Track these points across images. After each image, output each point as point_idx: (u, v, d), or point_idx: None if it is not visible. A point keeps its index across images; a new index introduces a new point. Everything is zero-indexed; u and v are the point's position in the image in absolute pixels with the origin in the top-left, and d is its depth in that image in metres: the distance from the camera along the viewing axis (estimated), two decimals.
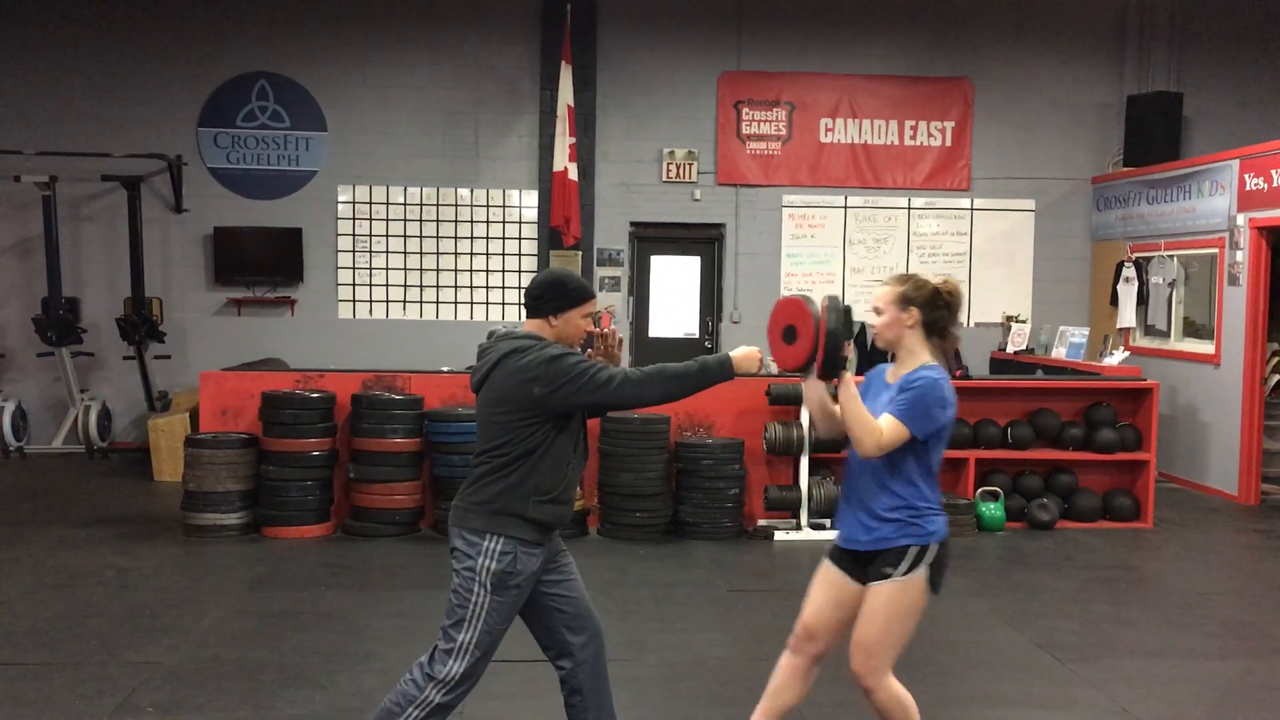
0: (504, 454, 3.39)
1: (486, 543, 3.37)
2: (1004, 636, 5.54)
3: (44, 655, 5.01)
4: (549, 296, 3.51)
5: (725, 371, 3.43)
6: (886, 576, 3.41)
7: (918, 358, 3.52)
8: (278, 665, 4.90)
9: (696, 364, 3.44)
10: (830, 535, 7.56)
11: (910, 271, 3.75)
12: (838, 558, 3.60)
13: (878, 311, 3.57)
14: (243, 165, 10.85)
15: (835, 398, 3.48)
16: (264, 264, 10.82)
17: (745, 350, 3.47)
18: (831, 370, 3.45)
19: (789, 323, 3.50)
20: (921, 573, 3.41)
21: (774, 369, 3.35)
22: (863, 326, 11.35)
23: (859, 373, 3.85)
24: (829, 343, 3.41)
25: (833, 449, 7.80)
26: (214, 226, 10.76)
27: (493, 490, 3.40)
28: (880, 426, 3.39)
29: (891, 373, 3.60)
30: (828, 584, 3.61)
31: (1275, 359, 9.40)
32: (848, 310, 3.48)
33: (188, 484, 7.39)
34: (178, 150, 10.67)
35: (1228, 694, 4.82)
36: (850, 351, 3.46)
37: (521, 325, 3.59)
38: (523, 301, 3.58)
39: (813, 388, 3.52)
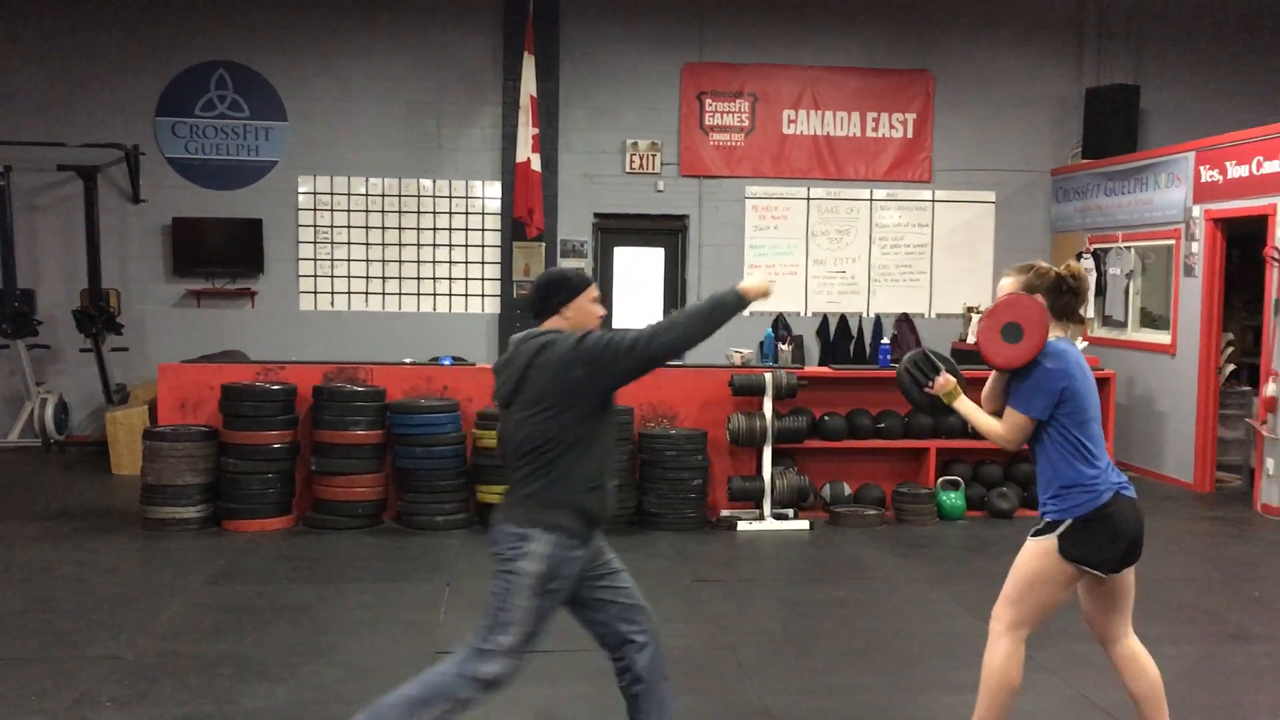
0: (550, 451, 3.37)
1: (531, 544, 3.35)
2: (964, 624, 5.60)
3: (0, 650, 4.95)
4: (555, 291, 3.56)
5: (740, 301, 3.41)
6: (1031, 532, 3.67)
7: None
8: (238, 659, 4.86)
9: (710, 300, 3.43)
10: (792, 526, 7.64)
11: (1027, 261, 3.86)
12: None
13: None
14: (201, 155, 10.73)
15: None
16: (224, 255, 10.71)
17: (755, 280, 3.44)
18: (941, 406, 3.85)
19: (1012, 320, 3.57)
20: (1052, 540, 3.58)
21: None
22: (824, 317, 11.41)
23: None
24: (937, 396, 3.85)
25: (795, 439, 7.84)
26: (173, 217, 10.63)
27: (539, 484, 3.39)
28: (996, 425, 3.68)
29: None
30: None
31: (1229, 349, 9.55)
32: (927, 355, 3.90)
33: (146, 477, 7.32)
34: (135, 140, 10.53)
35: (1183, 678, 4.89)
36: (941, 386, 3.83)
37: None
38: (532, 311, 3.61)
39: (997, 380, 3.77)
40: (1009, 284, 3.68)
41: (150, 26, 10.62)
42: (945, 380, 3.78)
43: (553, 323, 3.55)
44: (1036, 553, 3.62)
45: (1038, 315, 3.55)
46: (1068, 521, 3.56)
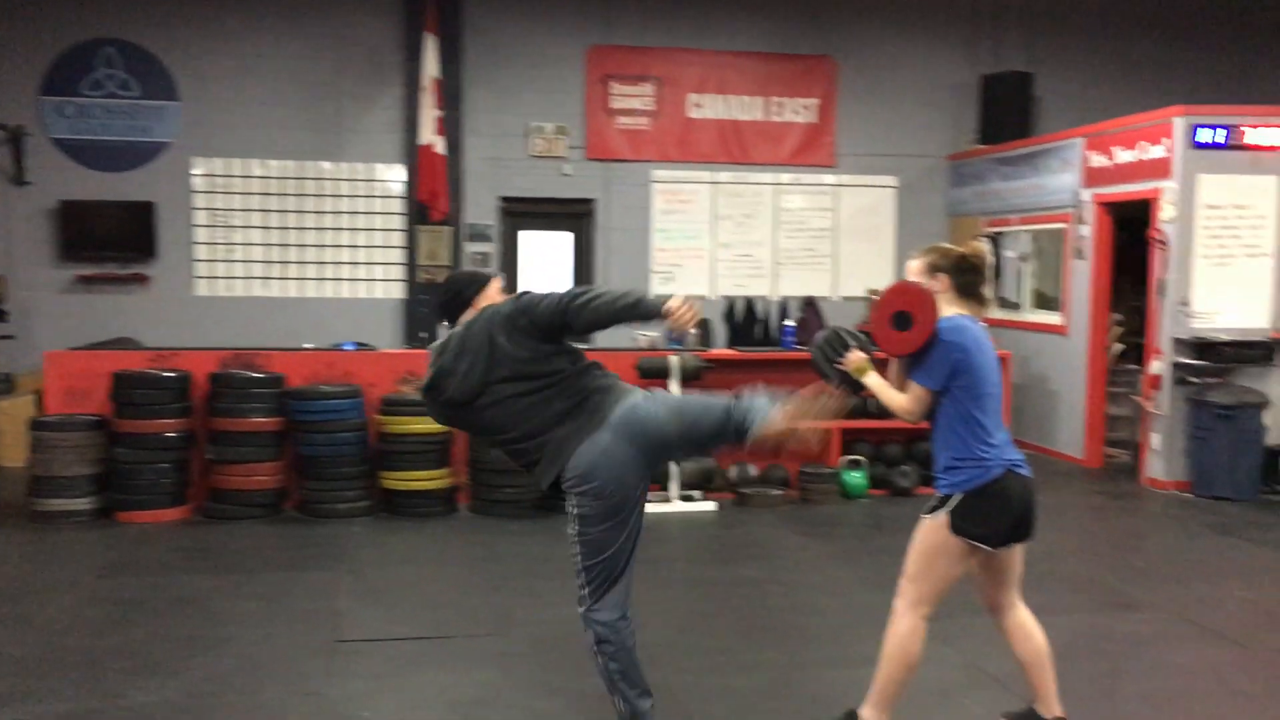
0: (567, 376, 3.52)
1: (572, 460, 3.45)
2: (865, 599, 5.70)
3: None
4: (466, 285, 3.71)
5: (654, 311, 3.48)
6: (925, 509, 3.75)
7: (946, 314, 3.74)
8: (129, 653, 4.73)
9: (634, 294, 3.51)
10: (698, 508, 7.70)
11: (933, 244, 3.96)
12: None
13: None
14: (89, 136, 10.36)
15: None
16: (114, 239, 10.37)
17: (680, 304, 3.45)
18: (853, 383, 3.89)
19: (902, 309, 3.67)
20: (944, 516, 3.66)
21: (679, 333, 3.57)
22: (731, 301, 11.49)
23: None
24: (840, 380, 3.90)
25: None
26: (60, 200, 10.25)
27: (566, 405, 3.50)
28: (899, 398, 3.75)
29: None
30: None
31: (1118, 329, 9.87)
32: (838, 332, 3.98)
33: (34, 469, 7.08)
34: (18, 120, 10.13)
35: (1069, 647, 5.05)
36: (855, 361, 3.86)
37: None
38: (444, 311, 3.74)
39: (900, 369, 3.83)
40: (915, 265, 3.81)
41: (31, 2, 10.21)
42: (856, 356, 3.85)
43: (467, 316, 3.63)
44: (929, 529, 3.71)
45: (925, 300, 3.65)
46: (958, 496, 3.64)
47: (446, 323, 3.75)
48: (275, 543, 6.71)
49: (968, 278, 3.77)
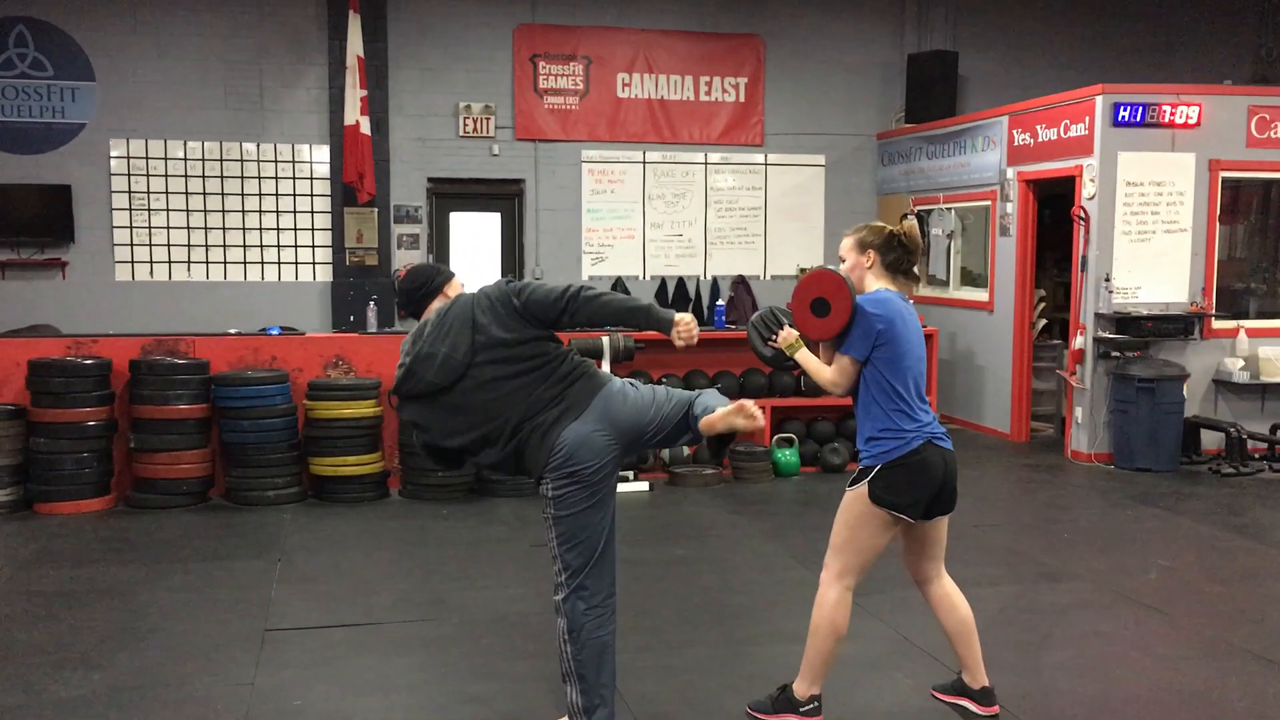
0: (555, 359, 3.53)
1: (558, 442, 3.44)
2: (796, 575, 5.75)
3: None
4: (433, 274, 3.71)
5: (658, 323, 3.54)
6: (848, 484, 3.79)
7: (871, 289, 3.82)
8: (51, 647, 4.61)
9: (642, 302, 3.59)
10: (631, 488, 7.70)
11: (869, 222, 4.01)
12: None
13: (841, 260, 3.92)
14: (1, 117, 10.04)
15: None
16: (30, 224, 10.07)
17: (688, 321, 3.55)
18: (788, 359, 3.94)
19: (819, 295, 3.72)
20: (864, 487, 3.71)
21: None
22: (662, 280, 11.49)
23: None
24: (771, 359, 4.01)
25: None
26: None
27: (553, 391, 3.49)
28: (827, 371, 3.80)
29: None
30: None
31: (1042, 305, 10.05)
32: (767, 313, 4.04)
33: None
34: None
35: (997, 618, 5.16)
36: (787, 339, 3.91)
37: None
38: (408, 303, 3.70)
39: (828, 351, 3.84)
40: (847, 242, 3.89)
41: None
42: (788, 334, 3.89)
43: (436, 304, 3.64)
44: (852, 500, 3.76)
45: (840, 286, 3.69)
46: (879, 467, 3.69)
47: (411, 316, 3.70)
48: (202, 531, 6.59)
49: (896, 254, 3.83)
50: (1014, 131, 9.67)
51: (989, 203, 10.04)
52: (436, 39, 10.86)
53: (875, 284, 3.83)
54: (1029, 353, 9.79)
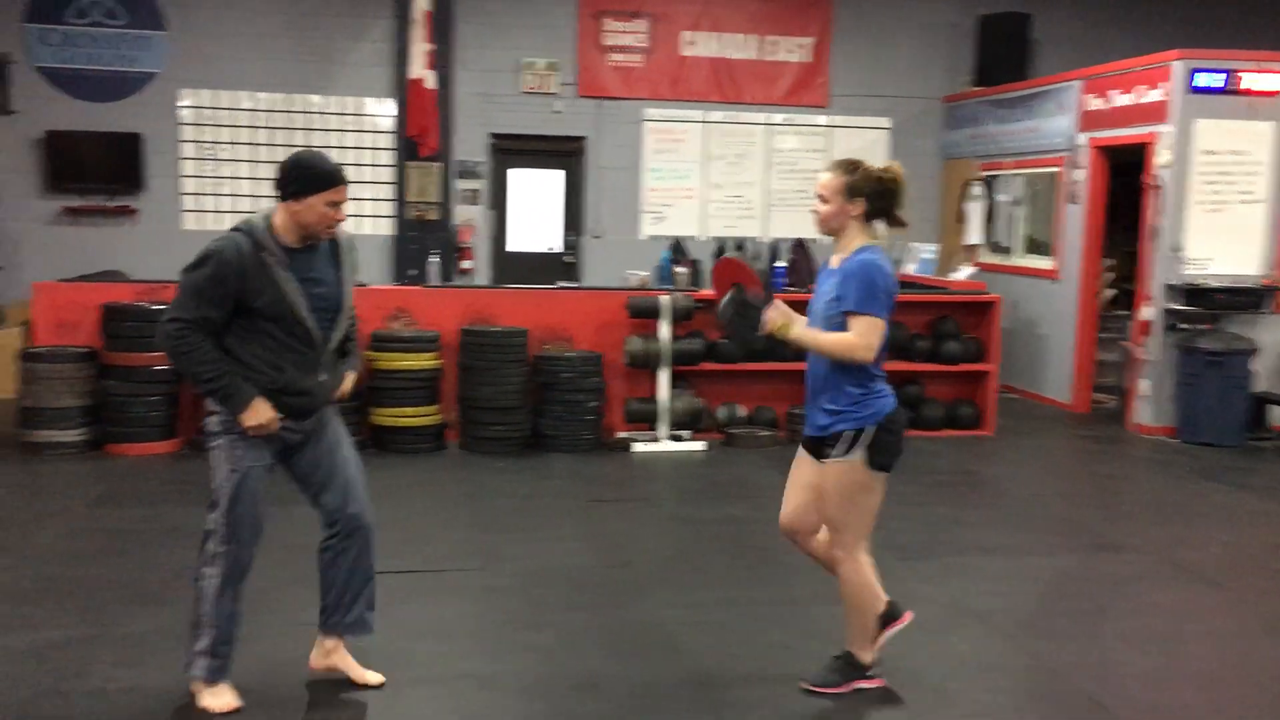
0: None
1: None
2: None
3: None
4: (290, 179, 3.53)
5: (233, 409, 3.47)
6: (827, 457, 3.65)
7: (856, 243, 3.65)
8: (120, 583, 4.76)
9: (226, 382, 3.45)
10: (687, 447, 7.73)
11: (851, 158, 3.75)
12: (804, 445, 3.83)
13: (822, 199, 3.65)
14: (75, 65, 10.20)
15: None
16: (101, 171, 10.26)
17: (263, 410, 3.48)
18: (776, 345, 3.75)
19: (737, 281, 3.70)
20: (857, 454, 3.60)
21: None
22: (721, 241, 11.43)
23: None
24: (748, 343, 3.82)
25: (691, 362, 7.91)
26: (46, 130, 10.12)
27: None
28: (850, 338, 3.55)
29: (834, 259, 3.74)
30: (798, 470, 3.85)
31: (1110, 274, 9.87)
32: (736, 292, 3.70)
33: (23, 400, 7.06)
34: (3, 48, 9.97)
35: (1054, 587, 5.13)
36: (773, 322, 3.63)
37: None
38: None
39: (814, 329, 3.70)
40: (829, 181, 3.64)
41: None
42: (775, 315, 3.63)
43: (280, 209, 3.55)
44: (845, 471, 3.64)
45: (748, 272, 3.68)
46: (870, 430, 3.61)
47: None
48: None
49: (885, 202, 3.66)
50: (1087, 96, 9.47)
51: (1058, 169, 9.86)
52: None
53: (858, 235, 3.64)
54: (1094, 323, 9.64)
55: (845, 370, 3.61)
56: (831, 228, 3.67)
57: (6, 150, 10.15)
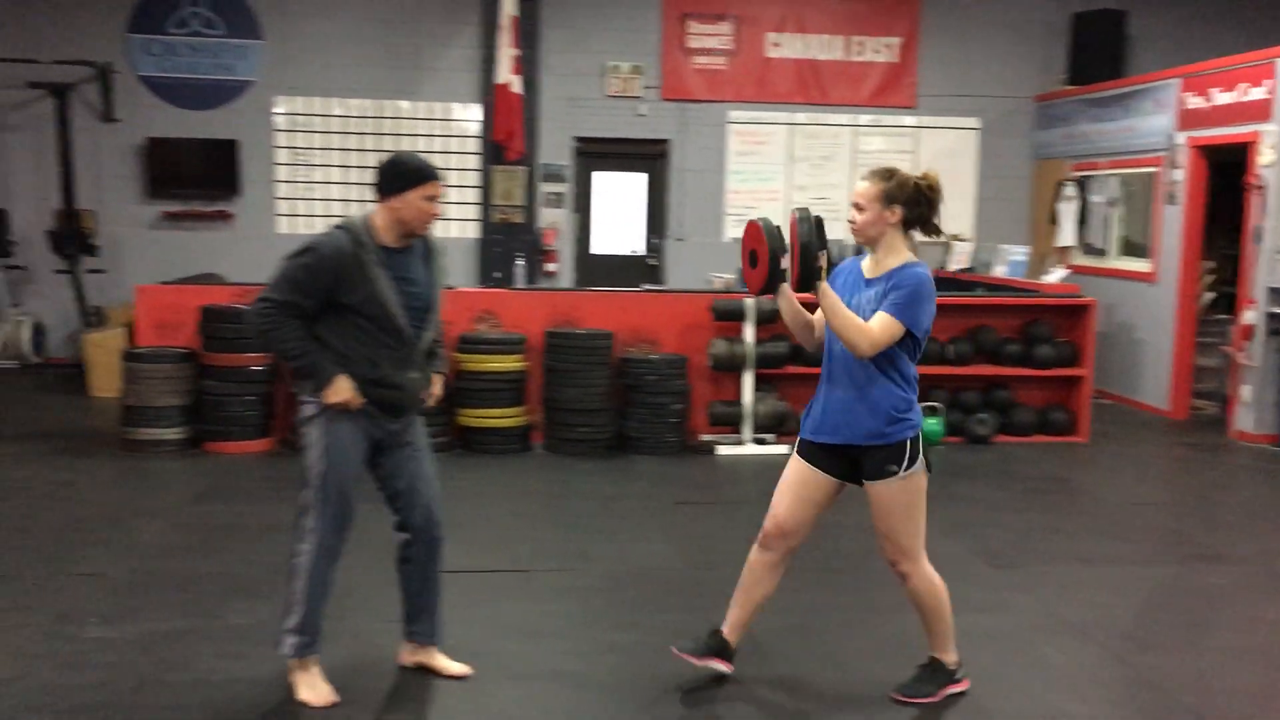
0: None
1: None
2: (939, 545, 5.63)
3: None
4: (389, 177, 3.60)
5: (317, 384, 3.56)
6: (893, 474, 3.58)
7: (900, 254, 3.61)
8: (222, 576, 4.89)
9: (311, 359, 3.55)
10: (772, 450, 7.68)
11: (887, 166, 3.71)
12: (810, 453, 3.72)
13: (859, 208, 3.61)
14: (175, 74, 10.52)
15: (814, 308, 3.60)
16: (199, 176, 10.56)
17: (344, 387, 3.55)
18: (807, 283, 3.49)
19: (751, 248, 3.59)
20: (920, 462, 3.59)
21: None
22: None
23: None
24: (802, 255, 3.46)
25: (775, 364, 7.88)
26: (146, 137, 10.46)
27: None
28: (871, 327, 3.48)
29: (869, 268, 3.67)
30: (801, 480, 3.75)
31: (1210, 277, 9.59)
32: (819, 220, 3.52)
33: (126, 399, 7.29)
34: (107, 57, 10.32)
35: (1153, 598, 4.99)
36: (824, 261, 3.49)
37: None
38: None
39: (784, 304, 3.61)
40: (866, 189, 3.59)
41: None
42: (824, 260, 3.50)
43: (378, 209, 3.62)
44: (906, 487, 3.60)
45: (760, 237, 3.53)
46: (916, 441, 3.60)
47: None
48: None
49: (921, 209, 3.59)
50: (1186, 94, 9.21)
51: (1155, 169, 9.61)
52: None
53: (896, 241, 3.58)
54: (1193, 327, 9.37)
55: (901, 372, 3.56)
56: (869, 236, 3.62)
57: (110, 157, 10.51)
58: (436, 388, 3.88)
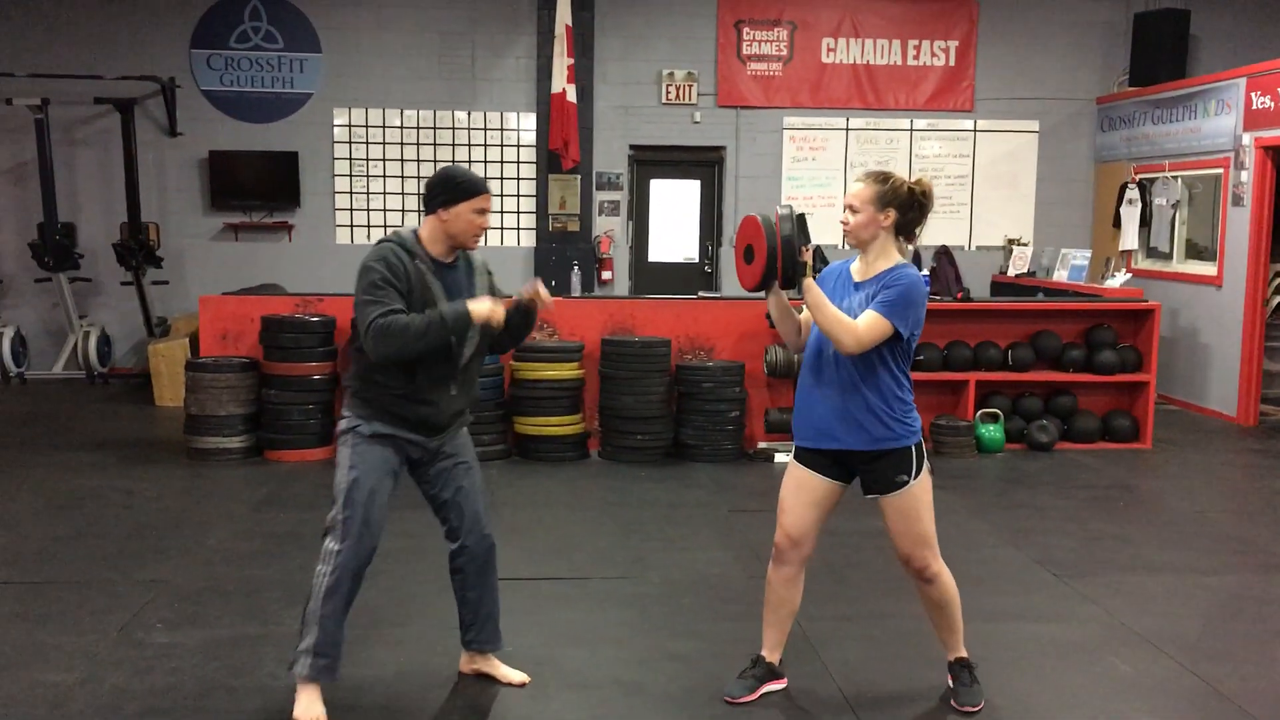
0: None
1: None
2: (1003, 554, 5.59)
3: (52, 574, 5.06)
4: (438, 191, 3.59)
5: (462, 320, 3.49)
6: (904, 484, 3.58)
7: (891, 257, 3.60)
8: (283, 584, 4.95)
9: (434, 317, 3.47)
10: None
11: (883, 169, 3.72)
12: (809, 459, 3.72)
13: (853, 210, 3.59)
14: (237, 88, 10.71)
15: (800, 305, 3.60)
16: (260, 188, 10.74)
17: (486, 304, 3.49)
18: (791, 280, 3.50)
19: (747, 242, 3.58)
20: (927, 465, 3.61)
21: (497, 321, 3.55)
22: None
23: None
24: (785, 251, 3.46)
25: None
26: (209, 150, 10.66)
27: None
28: (857, 324, 3.46)
29: (859, 271, 3.66)
30: (802, 487, 3.76)
31: (1277, 280, 9.38)
32: (800, 217, 3.52)
33: (189, 408, 7.41)
34: (171, 72, 10.53)
35: (1222, 608, 4.88)
36: (808, 256, 3.49)
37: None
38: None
39: (774, 301, 3.62)
40: (860, 191, 3.57)
41: None
42: (807, 252, 3.49)
43: (428, 222, 3.62)
44: (921, 491, 3.63)
45: (758, 231, 3.50)
46: (919, 443, 3.62)
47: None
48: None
49: (913, 215, 3.57)
50: (1252, 94, 9.02)
51: (1220, 171, 9.41)
52: (641, 7, 10.93)
53: (891, 248, 3.57)
54: (1261, 332, 9.16)
55: (897, 376, 3.54)
56: (861, 238, 3.59)
57: (173, 170, 10.72)
58: (542, 291, 3.70)
